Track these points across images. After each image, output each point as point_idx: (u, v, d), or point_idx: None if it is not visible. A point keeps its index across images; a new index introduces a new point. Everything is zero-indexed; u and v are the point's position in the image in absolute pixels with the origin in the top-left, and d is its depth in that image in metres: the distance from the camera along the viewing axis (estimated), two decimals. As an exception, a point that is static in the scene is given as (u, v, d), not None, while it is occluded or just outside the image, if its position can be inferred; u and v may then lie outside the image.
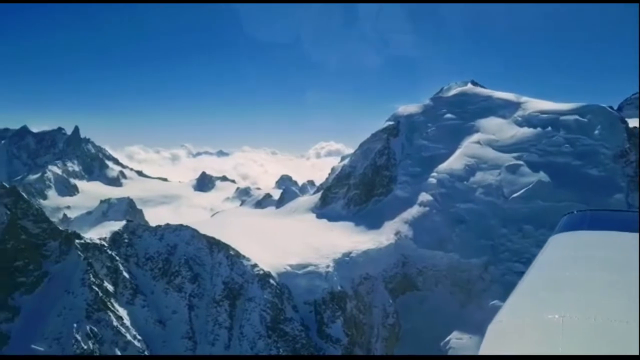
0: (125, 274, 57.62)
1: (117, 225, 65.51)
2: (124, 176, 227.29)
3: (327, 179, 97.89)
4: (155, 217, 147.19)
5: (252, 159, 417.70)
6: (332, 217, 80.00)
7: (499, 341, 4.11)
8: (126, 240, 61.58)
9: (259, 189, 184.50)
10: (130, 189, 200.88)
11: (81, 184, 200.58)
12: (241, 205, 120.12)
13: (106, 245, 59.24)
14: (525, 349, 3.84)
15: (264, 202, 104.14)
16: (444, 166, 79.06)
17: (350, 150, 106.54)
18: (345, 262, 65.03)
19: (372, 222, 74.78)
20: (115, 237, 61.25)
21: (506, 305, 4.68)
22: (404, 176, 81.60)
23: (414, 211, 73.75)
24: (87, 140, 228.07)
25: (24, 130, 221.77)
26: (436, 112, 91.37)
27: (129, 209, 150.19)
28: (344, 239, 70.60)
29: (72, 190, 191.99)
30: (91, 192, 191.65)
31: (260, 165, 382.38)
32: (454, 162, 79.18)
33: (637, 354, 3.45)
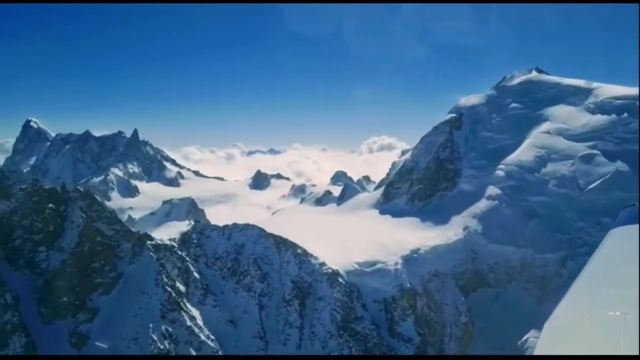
0: (196, 275, 58.15)
1: (183, 226, 66.31)
2: (182, 176, 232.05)
3: (388, 174, 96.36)
4: (214, 216, 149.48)
5: (305, 156, 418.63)
6: (396, 213, 78.41)
7: (557, 338, 3.97)
8: (195, 241, 62.16)
9: (314, 185, 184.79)
10: (188, 189, 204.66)
11: (141, 185, 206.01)
12: (301, 202, 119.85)
13: (176, 246, 59.94)
14: (585, 347, 3.70)
15: (324, 199, 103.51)
16: (511, 158, 76.27)
17: (403, 144, 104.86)
18: (413, 259, 63.55)
19: (438, 217, 72.79)
20: (185, 238, 61.92)
21: (564, 301, 4.53)
22: (469, 169, 79.16)
23: (481, 205, 71.43)
24: (146, 143, 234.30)
25: (87, 134, 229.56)
26: (501, 102, 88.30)
27: (190, 209, 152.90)
28: (410, 235, 68.99)
29: (133, 192, 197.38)
30: (151, 192, 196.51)
31: (313, 162, 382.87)
32: (523, 153, 76.25)
33: None
